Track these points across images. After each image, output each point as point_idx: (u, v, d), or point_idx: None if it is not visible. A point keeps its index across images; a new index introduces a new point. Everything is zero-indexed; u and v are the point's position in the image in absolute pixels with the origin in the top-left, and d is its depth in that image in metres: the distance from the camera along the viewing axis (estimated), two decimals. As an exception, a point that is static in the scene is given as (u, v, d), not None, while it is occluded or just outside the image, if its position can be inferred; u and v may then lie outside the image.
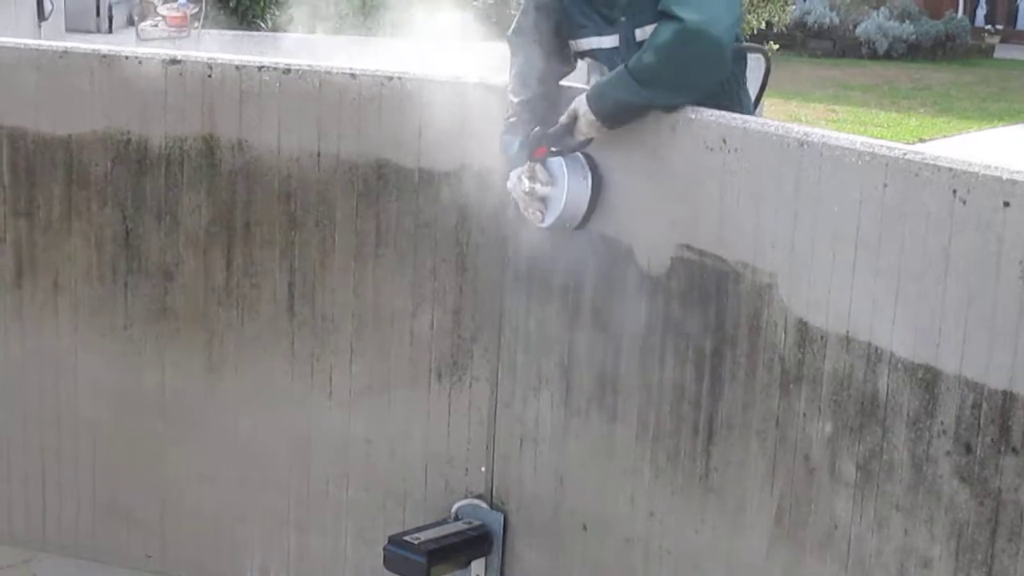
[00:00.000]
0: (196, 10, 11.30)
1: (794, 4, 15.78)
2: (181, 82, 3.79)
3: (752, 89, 3.45)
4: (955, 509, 2.35)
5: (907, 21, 23.53)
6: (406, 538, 3.59)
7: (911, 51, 23.18)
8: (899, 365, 2.45)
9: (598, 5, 3.26)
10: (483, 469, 3.71)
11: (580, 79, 3.49)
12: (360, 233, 3.73)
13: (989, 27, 26.62)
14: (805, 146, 2.66)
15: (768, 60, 3.32)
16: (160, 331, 3.94)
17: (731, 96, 3.26)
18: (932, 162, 2.38)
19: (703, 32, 2.94)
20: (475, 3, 13.39)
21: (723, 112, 3.04)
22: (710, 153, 2.94)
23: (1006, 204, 2.23)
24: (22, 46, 3.99)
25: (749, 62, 3.45)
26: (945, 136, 15.46)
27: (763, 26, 14.16)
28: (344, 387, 3.81)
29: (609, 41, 3.26)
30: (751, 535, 2.88)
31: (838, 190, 2.57)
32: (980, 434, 2.29)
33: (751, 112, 3.34)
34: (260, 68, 3.73)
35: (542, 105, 3.33)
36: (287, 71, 3.71)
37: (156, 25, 11.07)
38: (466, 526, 3.68)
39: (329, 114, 3.69)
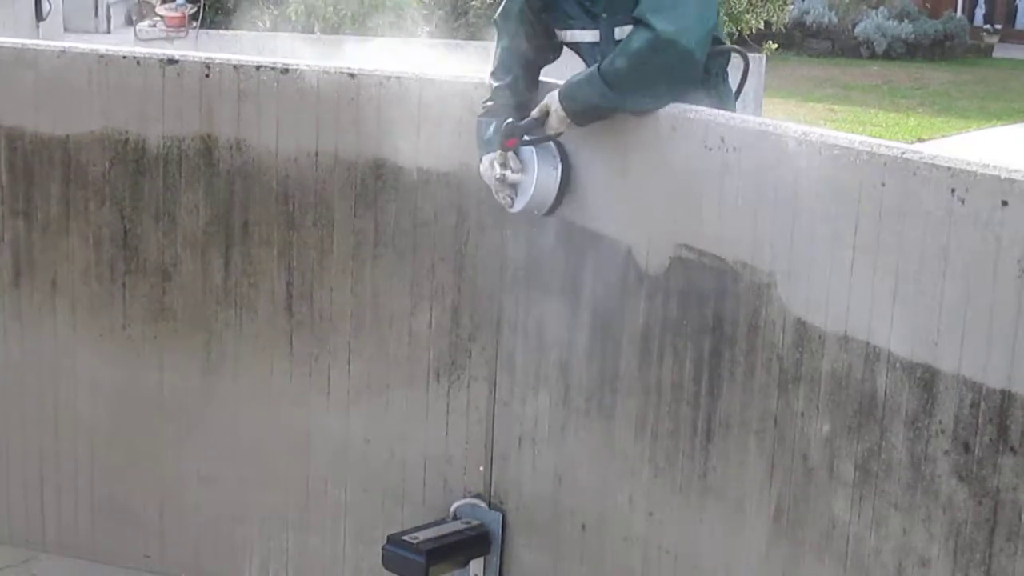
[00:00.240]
0: (194, 10, 11.30)
1: (792, 3, 15.78)
2: (179, 82, 3.79)
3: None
4: (953, 508, 2.34)
5: (906, 21, 23.53)
6: (405, 538, 3.59)
7: (910, 51, 23.19)
8: (897, 364, 2.44)
9: None
10: (482, 469, 3.71)
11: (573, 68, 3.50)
12: (358, 233, 3.73)
13: (988, 26, 26.64)
14: (804, 145, 2.66)
15: (746, 60, 3.37)
16: (158, 331, 3.94)
17: (711, 93, 3.28)
18: (931, 161, 2.38)
19: (674, 43, 3.01)
20: (473, 2, 13.39)
21: (722, 111, 3.04)
22: (709, 152, 2.94)
23: (1004, 203, 2.23)
24: (20, 46, 3.99)
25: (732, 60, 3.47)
26: (944, 135, 15.47)
27: (761, 25, 14.17)
28: (342, 387, 3.81)
29: (590, 36, 3.32)
30: (750, 534, 2.88)
31: (837, 190, 2.57)
32: (978, 433, 2.29)
33: (732, 109, 3.37)
34: (258, 68, 3.73)
35: (522, 91, 3.40)
36: (285, 71, 3.71)
37: (154, 25, 11.06)
38: (465, 526, 3.68)
39: (327, 114, 3.69)
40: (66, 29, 9.76)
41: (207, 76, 3.77)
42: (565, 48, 3.48)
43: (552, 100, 3.20)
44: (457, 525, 3.68)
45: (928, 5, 25.00)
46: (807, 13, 23.36)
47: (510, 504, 3.66)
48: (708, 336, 2.98)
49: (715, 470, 2.98)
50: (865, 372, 2.52)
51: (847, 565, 2.58)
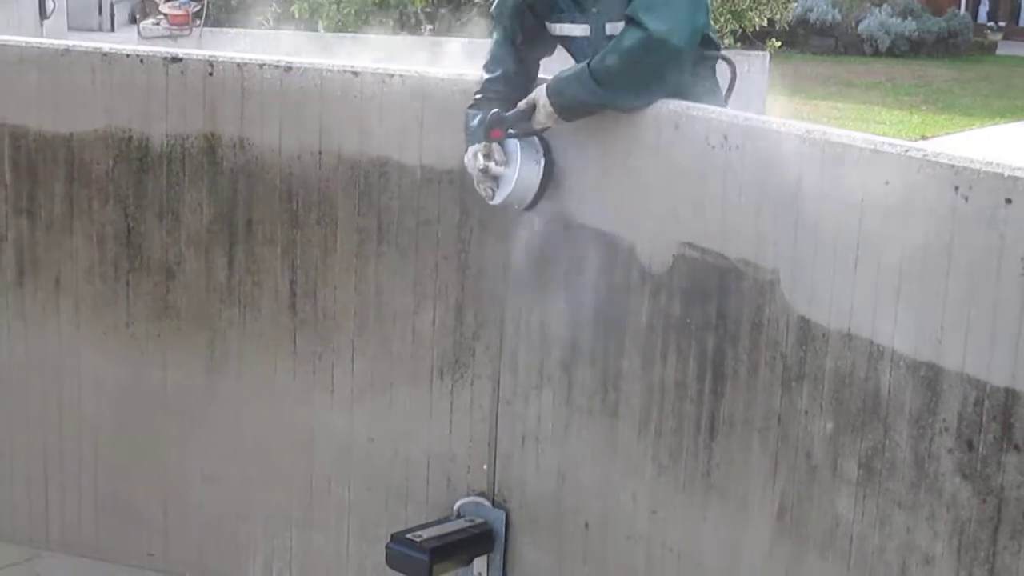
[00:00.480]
0: (198, 8, 11.30)
1: (796, 1, 15.78)
2: (183, 80, 3.79)
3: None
4: (957, 506, 2.34)
5: (909, 18, 23.53)
6: (408, 536, 3.59)
7: (913, 48, 23.18)
8: (901, 362, 2.44)
9: None
10: (485, 467, 3.71)
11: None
12: (362, 231, 3.73)
13: (991, 24, 26.62)
14: (807, 143, 2.66)
15: (733, 67, 3.37)
16: (162, 329, 3.94)
17: (699, 92, 3.28)
18: (934, 159, 2.38)
19: (666, 42, 3.04)
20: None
21: (725, 109, 3.04)
22: (712, 150, 2.94)
23: (1008, 201, 2.23)
24: (24, 44, 3.99)
25: (723, 67, 3.47)
26: (947, 133, 15.47)
27: (765, 23, 14.17)
28: (346, 385, 3.81)
29: (581, 30, 3.33)
30: (753, 533, 2.88)
31: (840, 187, 2.57)
32: (982, 431, 2.29)
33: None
34: (261, 66, 3.73)
35: (513, 85, 3.41)
36: (288, 69, 3.71)
37: (158, 23, 11.06)
38: (468, 524, 3.68)
39: (331, 112, 3.69)
40: (70, 27, 9.76)
41: (211, 74, 3.77)
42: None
43: (540, 94, 3.22)
44: (461, 523, 3.68)
45: (932, 2, 24.98)
46: (811, 11, 23.36)
47: (513, 502, 3.66)
48: (711, 334, 2.98)
49: (718, 468, 2.98)
50: (869, 370, 2.52)
51: (851, 563, 2.58)
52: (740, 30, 13.92)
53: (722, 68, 3.41)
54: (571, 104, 3.18)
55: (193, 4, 11.32)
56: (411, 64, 3.74)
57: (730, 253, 2.91)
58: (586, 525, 3.43)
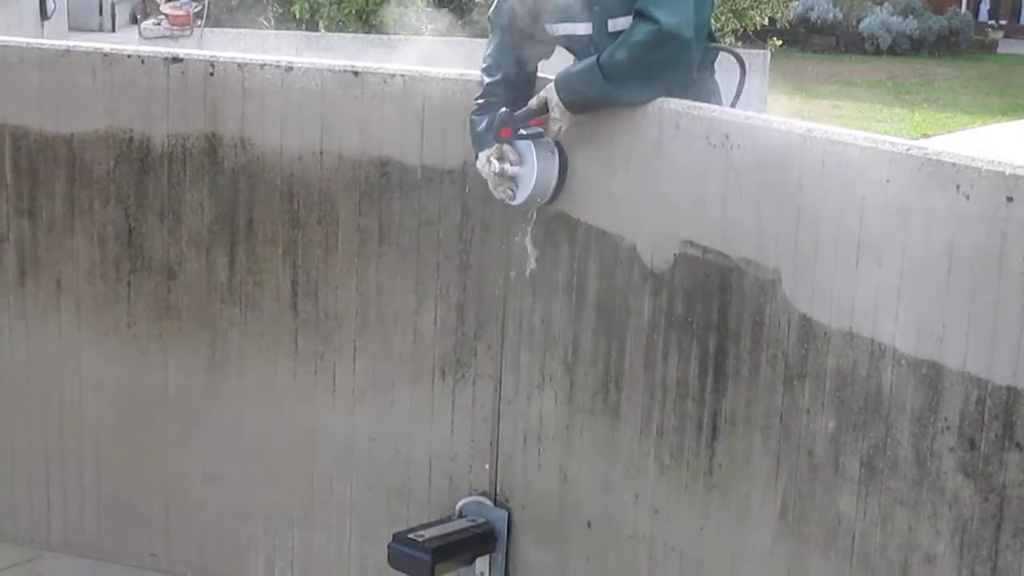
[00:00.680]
0: (199, 8, 11.29)
1: (797, 0, 15.78)
2: (183, 80, 3.79)
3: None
4: (959, 505, 2.34)
5: (910, 16, 23.53)
6: (410, 535, 3.59)
7: (914, 47, 23.18)
8: (902, 361, 2.44)
9: None
10: (487, 466, 3.71)
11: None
12: (363, 231, 3.73)
13: (992, 22, 26.62)
14: (808, 142, 2.66)
15: (743, 64, 3.36)
16: (163, 329, 3.94)
17: (699, 87, 3.28)
18: (935, 158, 2.38)
19: (676, 35, 3.05)
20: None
21: (726, 108, 3.04)
22: (713, 149, 2.94)
23: (1009, 200, 2.23)
24: (24, 45, 3.99)
25: (727, 63, 3.46)
26: (949, 132, 15.47)
27: (766, 22, 14.16)
28: (348, 385, 3.81)
29: (583, 28, 3.32)
30: (755, 531, 2.88)
31: (841, 186, 2.57)
32: (984, 430, 2.29)
33: (719, 104, 3.37)
34: (262, 66, 3.73)
35: (514, 88, 3.41)
36: (289, 69, 3.71)
37: (159, 23, 11.06)
38: (470, 523, 3.68)
39: (331, 112, 3.69)
40: (70, 28, 9.77)
41: (211, 74, 3.77)
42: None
43: (550, 91, 3.23)
44: (463, 523, 3.68)
45: (932, 1, 24.97)
46: (811, 9, 23.35)
47: (515, 502, 3.66)
48: (713, 333, 2.98)
49: (720, 467, 2.98)
50: (870, 369, 2.51)
51: (852, 561, 2.58)
52: (741, 29, 13.91)
53: (730, 64, 3.41)
54: (579, 99, 3.19)
55: (194, 4, 11.31)
56: (411, 64, 3.74)
57: (731, 252, 2.91)
58: (588, 524, 3.43)
